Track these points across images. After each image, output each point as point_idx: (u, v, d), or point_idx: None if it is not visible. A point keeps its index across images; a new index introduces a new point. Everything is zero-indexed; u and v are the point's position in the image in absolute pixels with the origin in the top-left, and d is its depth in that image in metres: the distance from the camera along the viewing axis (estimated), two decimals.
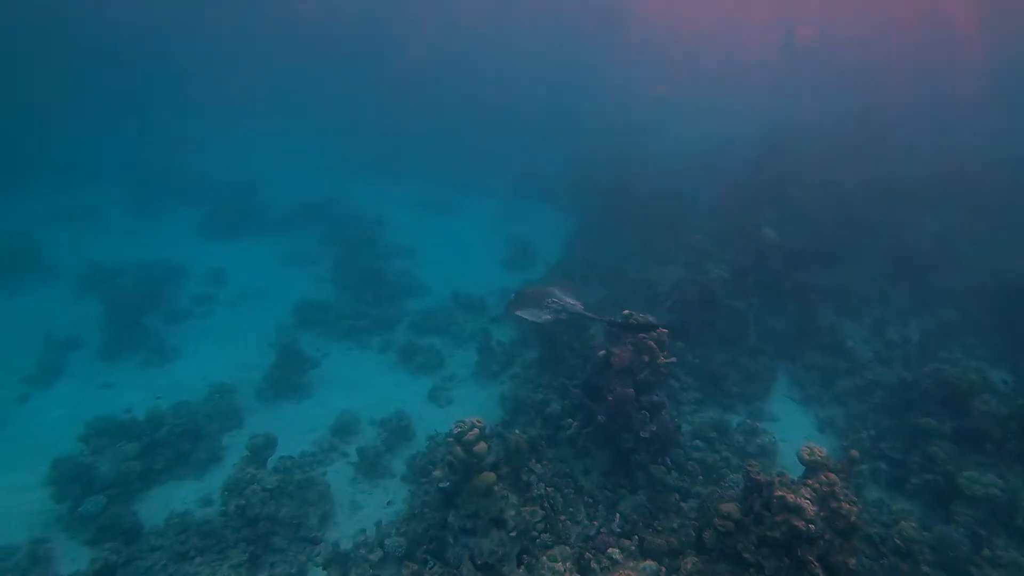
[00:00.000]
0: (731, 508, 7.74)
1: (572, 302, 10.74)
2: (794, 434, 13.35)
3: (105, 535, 10.01)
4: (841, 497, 6.97)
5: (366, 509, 11.09)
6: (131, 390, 14.92)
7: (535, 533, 8.45)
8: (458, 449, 8.22)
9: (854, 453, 7.98)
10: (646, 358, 9.73)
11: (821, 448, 7.71)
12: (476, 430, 8.26)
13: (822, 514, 6.95)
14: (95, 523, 10.23)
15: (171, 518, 10.26)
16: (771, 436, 12.54)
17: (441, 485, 8.49)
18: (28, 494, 11.37)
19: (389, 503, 11.23)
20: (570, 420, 11.01)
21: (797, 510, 6.96)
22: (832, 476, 7.28)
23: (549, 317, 10.69)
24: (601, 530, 8.93)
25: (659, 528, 9.03)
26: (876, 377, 14.42)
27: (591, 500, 9.69)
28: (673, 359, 9.93)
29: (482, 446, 8.24)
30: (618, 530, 8.97)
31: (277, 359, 14.97)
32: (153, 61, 52.20)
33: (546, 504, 8.92)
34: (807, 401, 14.61)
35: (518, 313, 11.04)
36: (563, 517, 8.92)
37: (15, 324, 18.21)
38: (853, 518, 6.86)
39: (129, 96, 47.27)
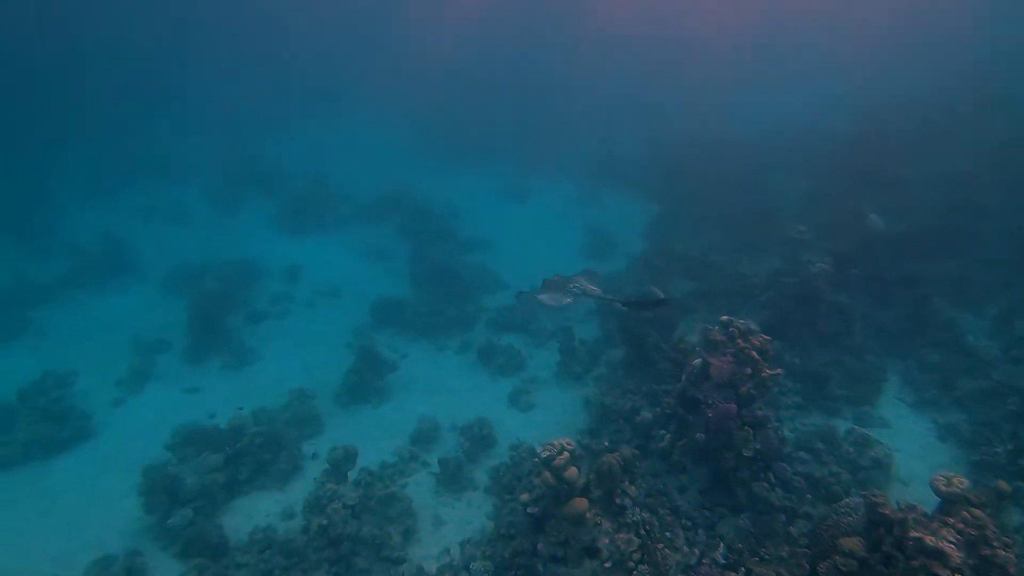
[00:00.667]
0: (853, 544, 6.95)
1: (592, 288, 11.33)
2: (909, 443, 12.22)
3: (193, 549, 10.04)
4: (994, 542, 6.07)
5: (449, 525, 10.75)
6: (214, 394, 15.13)
7: (631, 564, 7.88)
8: (547, 475, 7.70)
9: (1003, 485, 6.99)
10: (748, 370, 8.94)
11: (960, 478, 6.76)
12: (566, 454, 7.71)
13: (970, 562, 6.07)
14: (183, 536, 10.27)
15: (255, 533, 10.20)
16: (885, 447, 11.47)
17: (529, 511, 8.00)
18: (122, 502, 11.59)
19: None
20: (663, 432, 10.32)
21: (939, 555, 6.12)
22: (978, 513, 6.37)
23: (570, 300, 11.54)
24: (703, 560, 8.26)
25: (766, 557, 8.30)
26: (1006, 378, 13.02)
27: (689, 523, 9.02)
28: (779, 371, 9.09)
29: (572, 471, 7.69)
30: (723, 561, 8.28)
31: (355, 362, 14.83)
32: (229, 54, 53.51)
33: (642, 530, 8.31)
34: (922, 405, 13.37)
35: (540, 298, 11.33)
36: (661, 545, 8.30)
37: (107, 325, 18.92)
38: (1012, 569, 5.94)
39: (209, 92, 48.63)
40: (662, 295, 10.85)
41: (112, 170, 33.05)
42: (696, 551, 8.45)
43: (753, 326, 9.42)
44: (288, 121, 43.63)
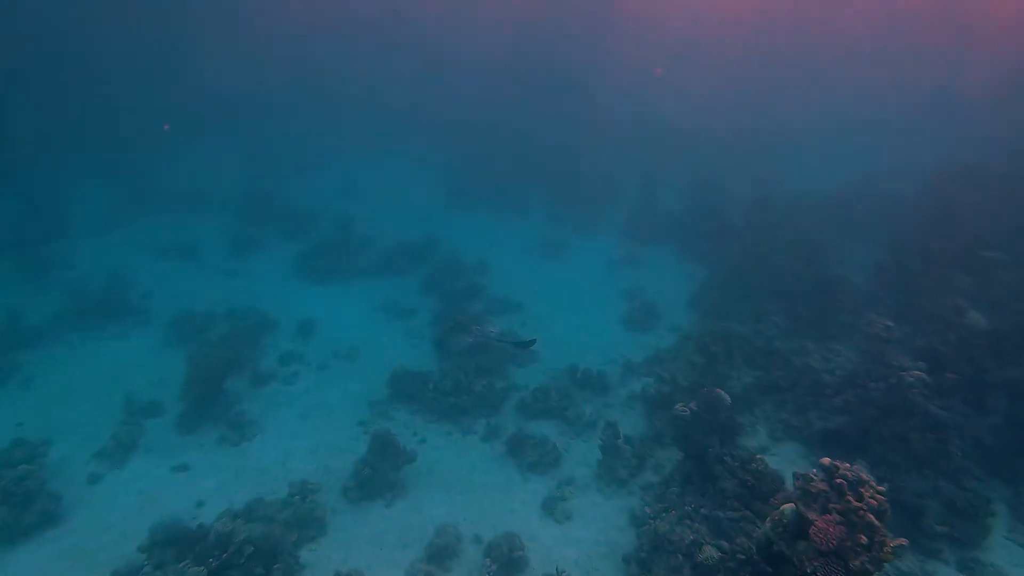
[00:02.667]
0: None
1: (491, 329, 16.73)
2: None
3: None
4: None
5: None
6: (205, 476, 13.57)
7: None
8: None
9: None
10: (863, 539, 7.13)
11: None
12: None
13: None
14: None
15: None
16: None
17: None
18: None
19: None
20: None
21: None
22: None
23: (471, 340, 16.32)
24: None
25: None
26: None
27: None
28: (904, 541, 7.27)
29: None
30: None
31: (368, 451, 13.19)
32: (253, 92, 53.23)
33: None
34: None
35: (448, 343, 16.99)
36: None
37: (99, 377, 17.58)
38: None
39: (230, 128, 48.11)
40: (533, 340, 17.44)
41: (130, 201, 32.17)
42: None
43: (864, 474, 7.64)
44: (315, 157, 42.81)
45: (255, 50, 55.14)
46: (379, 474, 13.02)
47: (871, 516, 7.21)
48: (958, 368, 13.65)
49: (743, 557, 8.93)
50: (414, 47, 57.59)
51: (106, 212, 31.10)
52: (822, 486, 7.68)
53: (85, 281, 22.76)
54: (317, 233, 28.59)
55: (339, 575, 9.41)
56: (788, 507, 8.00)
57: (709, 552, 9.66)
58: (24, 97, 43.18)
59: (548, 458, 14.11)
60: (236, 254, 27.14)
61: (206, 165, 40.68)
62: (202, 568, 10.05)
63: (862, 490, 7.47)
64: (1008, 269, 17.66)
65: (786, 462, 13.22)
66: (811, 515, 7.59)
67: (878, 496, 7.38)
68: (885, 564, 7.25)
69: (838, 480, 7.55)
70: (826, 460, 7.81)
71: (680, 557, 10.08)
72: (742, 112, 47.03)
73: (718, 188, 30.95)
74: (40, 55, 46.33)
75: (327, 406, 16.23)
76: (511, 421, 15.77)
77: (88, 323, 19.87)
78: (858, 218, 26.81)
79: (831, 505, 7.51)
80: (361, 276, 24.97)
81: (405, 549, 11.53)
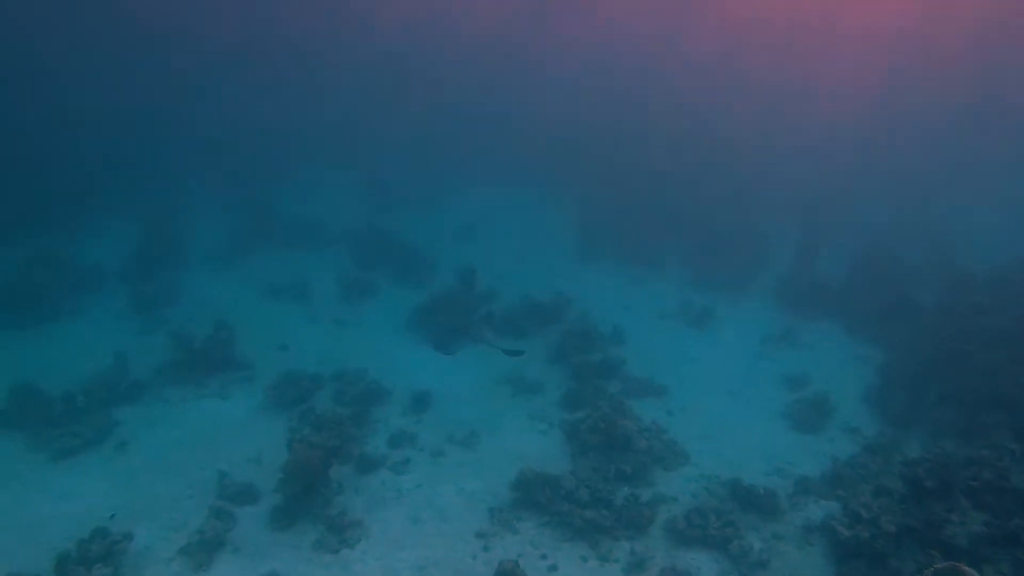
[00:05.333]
0: None
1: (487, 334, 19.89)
2: None
3: None
4: None
5: None
6: None
7: None
8: None
9: None
10: None
11: None
12: None
13: None
14: None
15: None
16: None
17: None
18: None
19: None
20: None
21: None
22: None
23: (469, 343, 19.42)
24: None
25: None
26: None
27: None
28: None
29: None
30: None
31: None
32: (378, 118, 53.53)
33: None
34: None
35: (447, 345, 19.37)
36: None
37: (196, 442, 16.52)
38: None
39: (352, 157, 48.20)
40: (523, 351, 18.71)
41: (249, 233, 32.03)
42: None
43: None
44: (436, 193, 41.92)
45: (384, 74, 55.84)
46: None
47: None
48: None
49: None
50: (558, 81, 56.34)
51: (224, 243, 31.05)
52: None
53: (191, 324, 22.04)
54: (435, 282, 27.20)
55: None
56: None
57: None
58: (150, 120, 44.94)
59: None
60: (348, 299, 26.07)
61: (326, 197, 40.66)
62: None
63: None
64: None
65: None
66: None
67: None
68: None
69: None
70: None
71: None
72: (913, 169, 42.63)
73: (891, 255, 27.32)
74: (171, 80, 48.39)
75: (441, 508, 14.26)
76: (660, 548, 13.28)
77: (189, 377, 18.98)
78: None
79: None
80: (480, 337, 23.12)
81: None
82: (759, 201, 35.83)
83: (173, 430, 16.87)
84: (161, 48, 50.60)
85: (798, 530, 13.88)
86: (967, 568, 9.48)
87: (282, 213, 34.75)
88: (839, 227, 32.46)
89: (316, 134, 50.24)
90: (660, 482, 15.45)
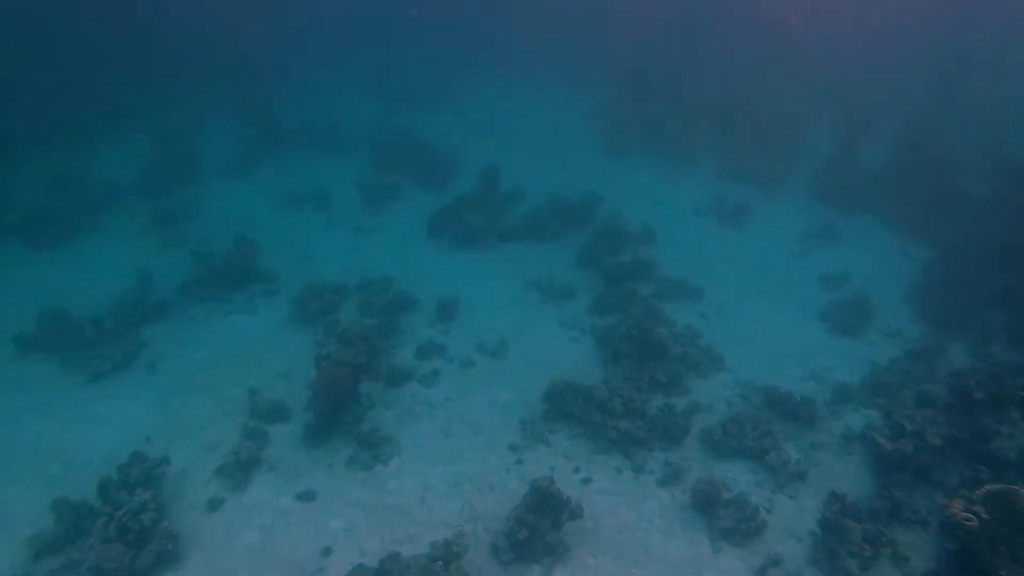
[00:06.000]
0: None
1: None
2: None
3: None
4: None
5: None
6: (334, 510, 12.04)
7: None
8: None
9: None
10: None
11: None
12: None
13: None
14: None
15: None
16: None
17: None
18: None
19: None
20: None
21: None
22: None
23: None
24: None
25: None
26: None
27: None
28: None
29: None
30: None
31: (525, 503, 10.98)
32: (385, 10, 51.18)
33: None
34: None
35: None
36: None
37: (224, 360, 16.60)
38: None
39: (363, 56, 46.41)
40: None
41: (261, 140, 31.29)
42: None
43: None
44: (454, 88, 40.41)
45: None
46: (537, 535, 10.87)
47: None
48: None
49: None
50: None
51: (237, 152, 30.41)
52: None
53: (211, 238, 22.05)
54: (458, 183, 26.51)
55: None
56: None
57: None
58: (152, 29, 43.39)
59: (748, 524, 11.46)
60: (369, 205, 25.59)
61: (339, 98, 39.51)
62: None
63: None
64: None
65: None
66: None
67: None
68: None
69: None
70: None
71: None
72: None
73: (941, 142, 25.87)
74: None
75: (473, 421, 14.27)
76: (696, 459, 13.23)
77: (213, 293, 18.98)
78: None
79: None
80: (507, 240, 22.69)
81: None
82: (793, 82, 34.09)
83: (201, 349, 16.96)
84: None
85: (837, 439, 13.69)
86: (1022, 490, 9.18)
87: (295, 118, 33.83)
88: (878, 109, 30.67)
89: (319, 31, 48.43)
90: (695, 390, 15.28)
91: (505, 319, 18.11)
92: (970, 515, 8.77)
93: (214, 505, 12.10)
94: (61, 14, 42.15)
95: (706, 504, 11.90)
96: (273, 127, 32.00)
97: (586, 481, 12.68)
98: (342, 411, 13.74)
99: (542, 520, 10.97)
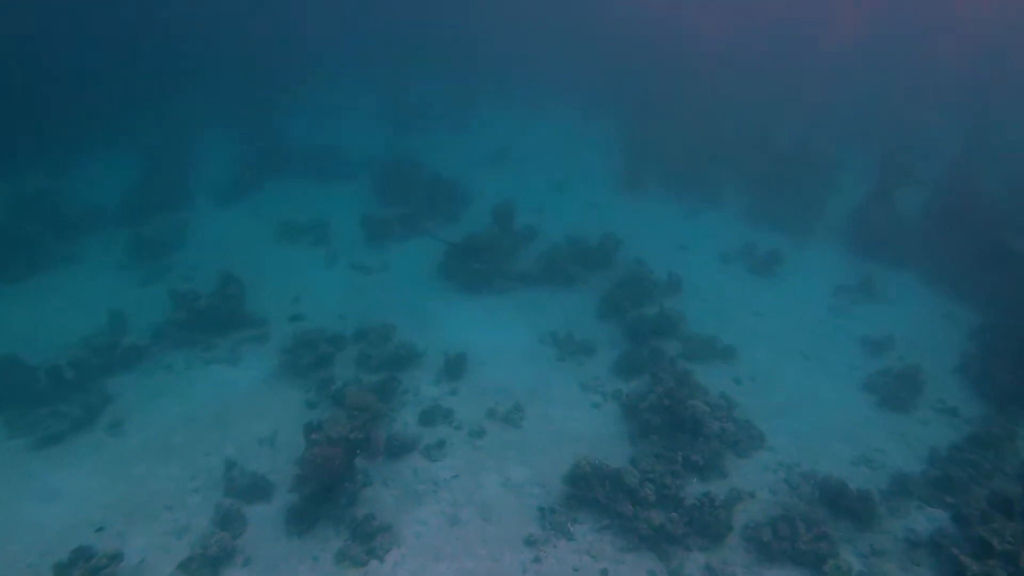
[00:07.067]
0: None
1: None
2: None
3: None
4: None
5: None
6: None
7: None
8: None
9: None
10: None
11: None
12: None
13: None
14: None
15: None
16: None
17: None
18: None
19: None
20: None
21: None
22: None
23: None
24: None
25: None
26: None
27: None
28: None
29: None
30: None
31: None
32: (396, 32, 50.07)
33: None
34: None
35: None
36: None
37: (201, 418, 14.89)
38: None
39: (368, 76, 45.14)
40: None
41: (258, 162, 29.79)
42: None
43: None
44: (462, 112, 39.02)
45: None
46: None
47: None
48: None
49: None
50: None
51: (232, 174, 28.94)
52: None
53: (196, 273, 20.49)
54: (469, 216, 25.07)
55: None
56: None
57: None
58: (148, 41, 42.11)
59: None
60: (371, 240, 23.97)
61: (343, 118, 38.13)
62: None
63: None
64: None
65: None
66: None
67: None
68: None
69: None
70: None
71: None
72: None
73: (981, 191, 24.32)
74: None
75: (484, 505, 12.53)
76: (740, 563, 11.50)
77: (194, 338, 17.26)
78: None
79: None
80: (521, 283, 21.12)
81: None
82: (824, 120, 32.75)
83: (175, 404, 15.20)
84: None
85: (901, 545, 11.94)
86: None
87: (295, 138, 32.38)
88: (912, 153, 29.26)
89: (327, 47, 47.20)
90: (734, 472, 13.61)
91: (519, 378, 16.44)
92: None
93: None
94: (52, 19, 40.76)
95: None
96: (273, 145, 30.51)
97: None
98: (333, 492, 12.02)
99: None
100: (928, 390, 16.44)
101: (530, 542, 11.75)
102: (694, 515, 12.03)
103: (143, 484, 12.81)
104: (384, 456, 13.40)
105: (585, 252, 21.90)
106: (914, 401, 16.19)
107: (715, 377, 16.48)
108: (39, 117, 30.80)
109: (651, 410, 14.35)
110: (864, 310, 20.61)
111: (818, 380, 17.04)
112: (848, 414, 15.76)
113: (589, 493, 12.47)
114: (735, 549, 11.78)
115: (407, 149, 30.12)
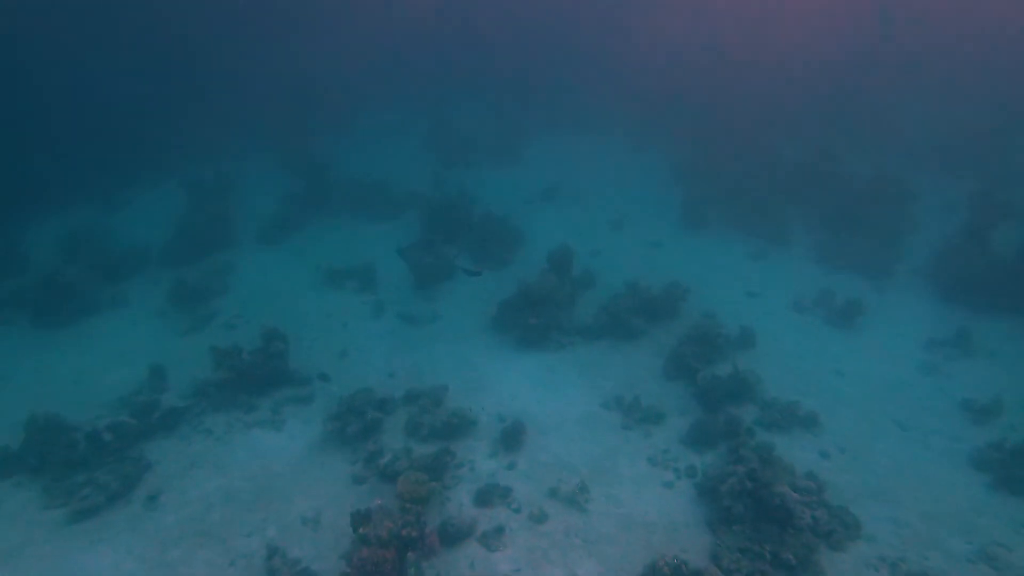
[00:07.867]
0: None
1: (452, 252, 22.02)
2: None
3: None
4: None
5: None
6: None
7: None
8: None
9: None
10: None
11: None
12: None
13: None
14: None
15: None
16: None
17: None
18: None
19: None
20: None
21: None
22: None
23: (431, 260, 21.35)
24: None
25: None
26: None
27: None
28: None
29: None
30: None
31: None
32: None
33: None
34: None
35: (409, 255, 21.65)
36: None
37: (242, 494, 13.83)
38: None
39: (418, 106, 44.59)
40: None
41: (303, 197, 29.26)
42: None
43: None
44: (511, 143, 38.11)
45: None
46: None
47: None
48: None
49: None
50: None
51: (278, 211, 28.38)
52: None
53: (239, 322, 19.87)
54: (522, 259, 24.09)
55: None
56: None
57: None
58: (202, 67, 42.26)
59: None
60: (420, 286, 22.97)
61: (388, 152, 37.53)
62: None
63: None
64: None
65: None
66: None
67: None
68: None
69: None
70: None
71: None
72: None
73: None
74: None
75: None
76: None
77: (235, 399, 16.45)
78: None
79: None
80: (580, 337, 19.93)
81: None
82: (903, 149, 30.98)
83: (215, 476, 14.35)
84: None
85: None
86: None
87: (340, 171, 31.71)
88: (1009, 185, 27.33)
89: (370, 79, 46.89)
90: (830, 569, 12.13)
91: (582, 449, 15.22)
92: None
93: None
94: (101, 47, 41.12)
95: None
96: (318, 179, 29.93)
97: None
98: None
99: None
100: None
101: None
102: None
103: (177, 571, 11.92)
104: (438, 539, 12.33)
105: (648, 302, 20.57)
106: None
107: (799, 450, 15.09)
108: (91, 149, 30.79)
109: (732, 496, 12.99)
110: (962, 367, 18.88)
111: (917, 454, 15.44)
112: (957, 497, 14.14)
113: None
114: None
115: (456, 184, 29.25)
